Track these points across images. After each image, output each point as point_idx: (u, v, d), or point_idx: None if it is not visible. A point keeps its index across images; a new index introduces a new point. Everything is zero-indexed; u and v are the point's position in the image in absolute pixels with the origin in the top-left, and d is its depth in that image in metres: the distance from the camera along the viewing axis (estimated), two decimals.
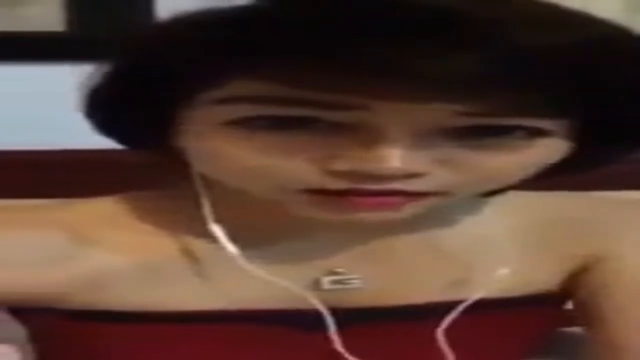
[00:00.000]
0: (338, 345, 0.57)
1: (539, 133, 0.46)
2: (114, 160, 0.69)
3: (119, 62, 0.48)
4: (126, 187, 0.60)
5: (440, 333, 0.58)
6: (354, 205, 0.46)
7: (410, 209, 0.48)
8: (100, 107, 0.51)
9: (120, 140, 0.55)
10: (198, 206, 0.55)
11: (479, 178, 0.47)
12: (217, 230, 0.55)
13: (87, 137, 0.55)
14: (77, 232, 0.56)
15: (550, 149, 0.48)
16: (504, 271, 0.58)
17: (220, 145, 0.46)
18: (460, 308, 0.58)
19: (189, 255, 0.57)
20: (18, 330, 0.61)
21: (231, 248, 0.54)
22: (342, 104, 0.43)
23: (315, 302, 0.56)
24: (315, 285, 0.57)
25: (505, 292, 0.59)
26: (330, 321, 0.57)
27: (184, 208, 0.56)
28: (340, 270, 0.58)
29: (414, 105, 0.42)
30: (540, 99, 0.42)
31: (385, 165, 0.43)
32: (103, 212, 0.58)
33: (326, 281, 0.57)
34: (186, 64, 0.45)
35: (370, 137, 0.44)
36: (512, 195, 0.57)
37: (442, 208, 0.51)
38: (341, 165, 0.45)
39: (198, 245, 0.56)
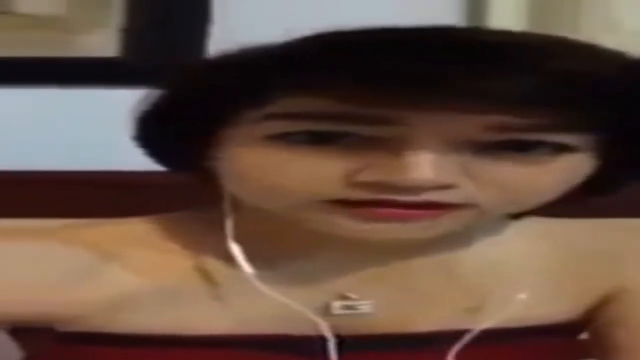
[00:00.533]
0: None
1: (564, 149, 0.47)
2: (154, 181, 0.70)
3: (172, 87, 0.51)
4: (166, 207, 0.61)
5: (455, 349, 0.58)
6: (378, 215, 0.47)
7: (443, 222, 0.48)
8: (150, 129, 0.53)
9: (164, 162, 0.57)
10: (222, 228, 0.56)
11: (505, 192, 0.48)
12: (234, 248, 0.55)
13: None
14: (101, 251, 0.57)
15: (575, 165, 0.49)
16: (520, 298, 0.57)
17: (256, 159, 0.48)
18: (469, 336, 0.57)
19: (206, 277, 0.57)
20: (13, 352, 0.60)
21: (247, 267, 0.55)
22: (383, 119, 0.45)
23: (324, 328, 0.57)
24: (326, 310, 0.58)
25: (521, 321, 0.59)
26: (333, 348, 0.57)
27: (208, 230, 0.57)
28: (351, 295, 0.58)
29: (448, 119, 0.44)
30: (569, 116, 0.45)
31: (412, 175, 0.45)
32: (128, 232, 0.59)
33: (337, 306, 0.58)
34: (238, 84, 0.47)
35: (400, 147, 0.45)
36: (534, 221, 0.58)
37: (460, 231, 0.52)
38: (368, 176, 0.46)
39: (216, 266, 0.57)
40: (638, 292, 0.60)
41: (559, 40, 0.46)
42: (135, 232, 0.59)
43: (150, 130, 0.53)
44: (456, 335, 0.58)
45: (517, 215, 0.56)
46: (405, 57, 0.42)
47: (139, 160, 0.58)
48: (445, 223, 0.49)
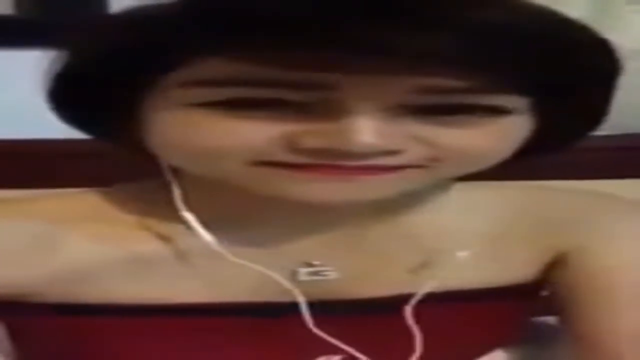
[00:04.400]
0: (315, 329, 0.57)
1: (502, 111, 0.47)
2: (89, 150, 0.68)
3: (82, 48, 0.48)
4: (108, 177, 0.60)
5: (408, 312, 0.59)
6: (320, 174, 0.46)
7: (389, 182, 0.48)
8: (64, 95, 0.50)
9: (86, 129, 0.54)
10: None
11: (449, 155, 0.47)
12: (189, 217, 0.55)
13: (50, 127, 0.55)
14: (58, 225, 0.56)
15: (513, 127, 0.49)
16: (463, 256, 0.58)
17: (181, 126, 0.46)
18: (420, 294, 0.58)
19: (170, 245, 0.57)
20: None
21: (205, 234, 0.54)
22: (309, 83, 0.43)
23: (296, 293, 0.56)
24: (292, 276, 0.57)
25: (474, 283, 0.60)
26: (306, 311, 0.57)
27: (163, 199, 0.56)
28: (315, 262, 0.57)
29: (376, 82, 0.43)
30: (495, 77, 0.44)
31: (355, 141, 0.43)
32: (84, 205, 0.58)
33: (303, 272, 0.57)
34: (151, 44, 0.45)
35: (338, 112, 0.44)
36: (484, 185, 0.58)
37: (410, 194, 0.52)
38: (310, 142, 0.45)
39: (177, 235, 0.56)
40: (589, 254, 0.61)
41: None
42: (90, 204, 0.58)
43: (63, 96, 0.50)
44: (414, 297, 0.59)
45: (465, 178, 0.55)
46: (324, 15, 0.41)
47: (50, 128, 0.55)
48: (392, 183, 0.48)
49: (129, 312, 0.57)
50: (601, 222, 0.63)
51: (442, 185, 0.59)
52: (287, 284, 0.56)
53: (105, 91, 0.48)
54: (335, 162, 0.45)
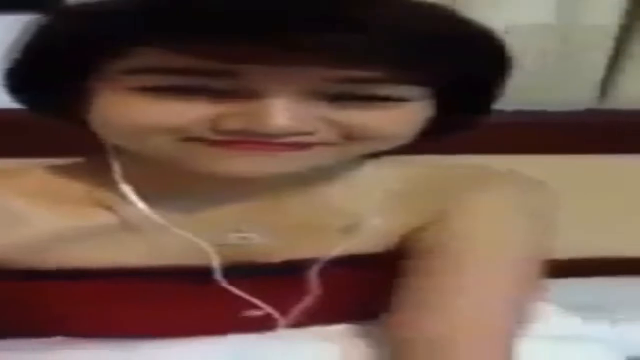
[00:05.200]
0: (231, 287, 0.65)
1: (401, 99, 0.53)
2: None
3: (41, 28, 0.53)
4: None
5: (313, 273, 0.65)
6: (238, 148, 0.52)
7: (304, 156, 0.53)
8: (17, 70, 0.55)
9: (29, 105, 0.59)
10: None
11: (359, 136, 0.53)
12: (126, 189, 0.60)
13: None
14: (16, 200, 0.62)
15: (416, 111, 0.55)
16: (374, 224, 0.64)
17: (122, 109, 0.52)
18: (323, 260, 0.65)
19: (114, 216, 0.62)
20: None
21: (140, 204, 0.60)
22: (225, 72, 0.49)
23: (212, 256, 0.63)
24: (221, 241, 0.63)
25: (374, 248, 0.67)
26: (218, 273, 0.64)
27: (106, 174, 0.61)
28: (241, 228, 0.64)
29: (288, 71, 0.49)
30: (396, 71, 0.51)
31: (269, 122, 0.49)
32: (39, 181, 0.63)
33: (232, 237, 0.64)
34: (98, 33, 0.51)
35: (255, 99, 0.50)
36: (393, 161, 0.65)
37: (328, 169, 0.59)
38: (230, 124, 0.51)
39: (120, 206, 0.62)
40: (445, 220, 0.65)
41: None
42: (43, 178, 0.63)
43: (16, 71, 0.55)
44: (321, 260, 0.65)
45: (377, 155, 0.61)
46: (236, 12, 0.47)
47: None
48: (307, 159, 0.54)
49: (78, 276, 0.63)
50: (464, 192, 0.67)
51: (356, 161, 0.64)
52: (209, 248, 0.63)
53: (56, 72, 0.53)
54: (254, 139, 0.51)
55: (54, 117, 0.60)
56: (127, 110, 0.51)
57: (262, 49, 0.46)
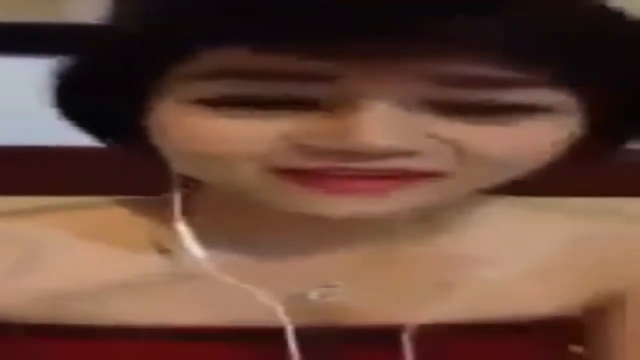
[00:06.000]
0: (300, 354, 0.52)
1: (540, 109, 0.42)
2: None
3: (89, 49, 0.46)
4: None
5: (405, 339, 0.52)
6: (324, 189, 0.42)
7: (400, 198, 0.43)
8: (74, 98, 0.48)
9: (96, 134, 0.52)
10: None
11: (480, 159, 0.43)
12: (181, 228, 0.51)
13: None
14: (42, 245, 0.53)
15: (552, 127, 0.44)
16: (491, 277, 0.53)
17: (190, 126, 0.43)
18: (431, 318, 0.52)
19: (169, 264, 0.53)
20: None
21: (196, 249, 0.51)
22: (316, 75, 0.39)
23: (281, 316, 0.51)
24: (294, 298, 0.52)
25: (502, 314, 0.54)
26: (291, 336, 0.51)
27: (168, 213, 0.52)
28: (328, 283, 0.52)
29: (392, 70, 0.38)
30: (535, 69, 0.40)
31: (362, 139, 0.39)
32: (88, 217, 0.55)
33: (312, 294, 0.52)
34: (159, 36, 0.42)
35: (347, 109, 0.40)
36: (529, 205, 0.55)
37: (436, 211, 0.48)
38: (316, 141, 0.41)
39: (178, 253, 0.52)
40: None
41: None
42: (95, 217, 0.55)
43: (75, 101, 0.48)
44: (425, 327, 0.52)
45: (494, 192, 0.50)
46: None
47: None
48: (415, 197, 0.44)
49: (115, 335, 0.53)
50: None
51: (473, 201, 0.53)
52: (282, 307, 0.51)
53: (115, 94, 0.46)
54: (343, 164, 0.41)
55: (127, 147, 0.52)
56: (199, 129, 0.42)
57: (359, 39, 0.36)
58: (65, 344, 0.53)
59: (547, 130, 0.43)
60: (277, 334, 0.52)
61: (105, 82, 0.45)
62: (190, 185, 0.52)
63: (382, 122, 0.39)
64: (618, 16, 0.42)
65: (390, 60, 0.38)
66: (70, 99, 0.48)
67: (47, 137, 0.87)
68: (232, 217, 0.52)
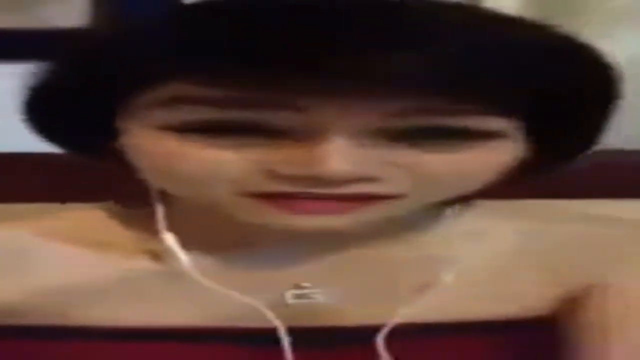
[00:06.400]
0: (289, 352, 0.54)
1: (488, 135, 0.45)
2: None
3: (58, 63, 0.48)
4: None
5: (379, 340, 0.54)
6: (291, 210, 0.45)
7: (358, 215, 0.46)
8: (41, 109, 0.50)
9: (61, 144, 0.53)
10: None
11: (433, 181, 0.46)
12: (169, 238, 0.53)
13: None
14: (33, 248, 0.55)
15: (501, 151, 0.46)
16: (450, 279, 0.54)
17: (160, 150, 0.45)
18: (390, 325, 0.53)
19: (158, 267, 0.55)
20: None
21: (184, 258, 0.52)
22: (273, 103, 0.42)
23: (272, 318, 0.53)
24: (277, 300, 0.54)
25: (467, 314, 0.56)
26: (285, 338, 0.53)
27: (151, 219, 0.54)
28: (304, 284, 0.55)
29: (350, 104, 0.41)
30: (478, 99, 0.43)
31: (326, 168, 0.42)
32: (62, 227, 0.57)
33: (289, 295, 0.55)
34: (123, 65, 0.45)
35: (311, 138, 0.43)
36: (488, 210, 0.56)
37: (400, 218, 0.50)
38: (284, 169, 0.44)
39: (166, 257, 0.54)
40: (616, 292, 0.56)
41: (467, 13, 0.44)
42: (82, 223, 0.57)
43: (43, 112, 0.50)
44: (400, 327, 0.54)
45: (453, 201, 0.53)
46: (292, 37, 0.40)
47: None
48: (374, 213, 0.47)
49: (112, 336, 0.54)
50: (623, 264, 0.57)
51: (435, 209, 0.55)
52: (266, 309, 0.53)
53: (84, 106, 0.48)
54: (310, 189, 0.44)
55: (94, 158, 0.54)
56: (167, 157, 0.45)
57: (319, 79, 0.39)
58: (59, 345, 0.54)
59: (497, 153, 0.46)
60: (268, 334, 0.53)
61: (74, 97, 0.47)
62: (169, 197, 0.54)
63: (342, 152, 0.42)
64: (531, 29, 0.45)
65: (346, 97, 0.40)
66: (42, 111, 0.50)
67: (30, 143, 0.87)
68: (212, 226, 0.53)
